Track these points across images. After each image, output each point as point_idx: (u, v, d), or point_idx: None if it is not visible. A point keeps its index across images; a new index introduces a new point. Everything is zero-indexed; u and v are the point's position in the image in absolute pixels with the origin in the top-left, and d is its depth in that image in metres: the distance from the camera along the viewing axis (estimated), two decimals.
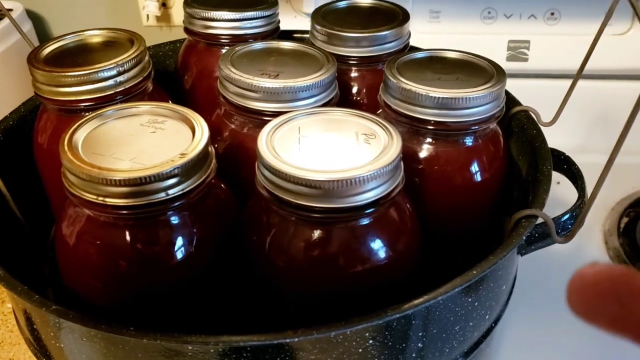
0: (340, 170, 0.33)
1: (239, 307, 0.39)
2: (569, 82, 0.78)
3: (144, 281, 0.36)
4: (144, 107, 0.38)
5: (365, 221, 0.35)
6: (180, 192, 0.34)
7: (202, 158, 0.35)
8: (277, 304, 0.37)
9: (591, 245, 0.61)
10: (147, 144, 0.35)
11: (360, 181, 0.32)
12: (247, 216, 0.39)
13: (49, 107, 0.44)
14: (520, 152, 0.48)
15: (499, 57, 0.77)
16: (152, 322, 0.36)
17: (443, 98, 0.40)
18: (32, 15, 0.93)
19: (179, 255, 0.36)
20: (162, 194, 0.33)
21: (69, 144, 0.35)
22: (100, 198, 0.33)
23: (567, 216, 0.42)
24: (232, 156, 0.44)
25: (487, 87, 0.41)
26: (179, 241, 0.36)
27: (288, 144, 0.35)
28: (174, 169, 0.33)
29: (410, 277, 0.38)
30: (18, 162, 0.48)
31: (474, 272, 0.34)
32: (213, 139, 0.45)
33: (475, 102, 0.40)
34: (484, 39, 0.78)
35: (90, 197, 0.33)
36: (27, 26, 0.89)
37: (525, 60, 0.78)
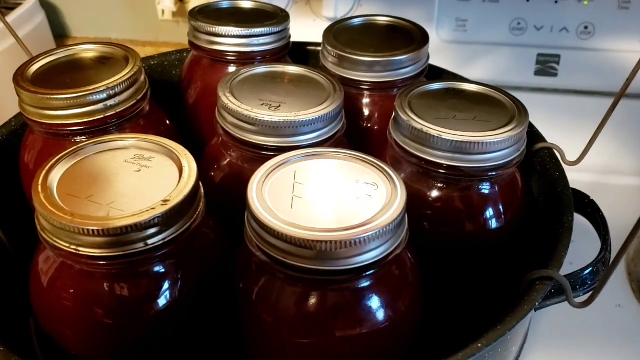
0: (337, 230, 0.29)
1: (225, 358, 0.37)
2: (599, 100, 0.74)
3: (123, 333, 0.33)
4: (130, 140, 0.35)
5: (363, 283, 0.31)
6: (162, 242, 0.31)
7: (187, 204, 0.32)
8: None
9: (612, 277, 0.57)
10: (128, 186, 0.33)
11: (359, 242, 0.29)
12: (238, 258, 0.36)
13: (36, 129, 0.41)
14: (540, 193, 0.44)
15: (527, 70, 0.74)
16: None
17: (458, 142, 0.36)
18: (46, 5, 0.90)
19: (161, 305, 0.33)
20: (141, 245, 0.31)
21: (43, 184, 0.32)
22: (73, 247, 0.30)
23: (587, 272, 0.38)
24: (228, 187, 0.41)
25: (508, 131, 0.37)
26: (162, 291, 0.33)
27: (281, 192, 0.32)
28: (154, 218, 0.30)
29: (411, 341, 0.34)
30: (5, 179, 0.45)
31: (479, 344, 0.31)
32: (210, 167, 0.42)
33: (493, 147, 0.37)
34: (512, 51, 0.74)
35: (63, 245, 0.31)
36: (40, 17, 0.86)
37: (555, 75, 0.74)
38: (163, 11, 0.85)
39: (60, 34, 0.94)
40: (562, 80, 0.74)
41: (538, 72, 0.74)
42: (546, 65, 0.74)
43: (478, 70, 0.74)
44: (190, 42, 0.50)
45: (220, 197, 0.40)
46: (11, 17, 0.79)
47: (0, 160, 0.46)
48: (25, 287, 0.39)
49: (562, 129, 0.59)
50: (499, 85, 0.43)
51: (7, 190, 0.45)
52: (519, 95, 0.42)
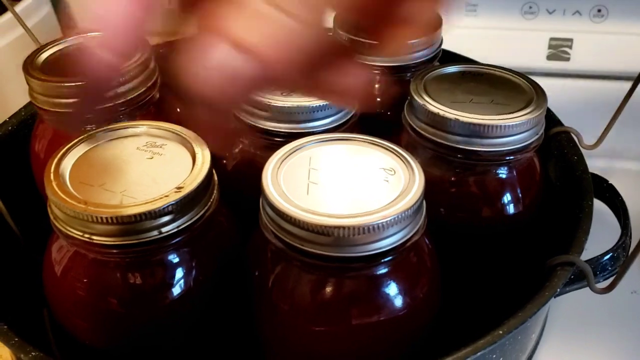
0: (354, 215, 0.29)
1: (238, 348, 0.36)
2: (613, 84, 0.73)
3: (137, 322, 0.33)
4: (142, 127, 0.35)
5: (380, 270, 0.31)
6: (176, 230, 0.31)
7: (201, 191, 0.32)
8: (278, 351, 0.34)
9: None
10: (141, 173, 0.32)
11: (377, 228, 0.28)
12: (251, 247, 0.35)
13: (46, 118, 0.41)
14: (558, 177, 0.43)
15: (539, 55, 0.73)
16: None
17: (475, 124, 0.35)
18: None
19: (175, 294, 0.33)
20: (155, 232, 0.30)
21: (55, 172, 0.31)
22: (87, 235, 0.30)
23: (607, 257, 0.38)
24: (241, 175, 0.40)
25: (526, 114, 0.36)
26: (176, 280, 0.33)
27: (297, 179, 0.31)
28: (168, 205, 0.30)
29: (430, 328, 0.34)
30: (16, 169, 0.45)
31: (500, 332, 0.31)
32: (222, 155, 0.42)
33: (511, 131, 0.36)
34: (524, 36, 0.72)
35: (76, 233, 0.30)
36: (46, 9, 0.86)
37: (567, 59, 0.73)
38: None
39: (67, 25, 0.93)
40: (575, 64, 0.72)
41: (550, 57, 0.73)
42: (558, 49, 0.73)
43: (489, 55, 0.72)
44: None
45: (233, 185, 0.39)
46: (18, 8, 0.78)
47: (11, 150, 0.45)
48: (38, 278, 0.39)
49: (576, 114, 0.58)
50: None
51: (18, 181, 0.45)
52: None
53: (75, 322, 0.34)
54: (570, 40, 0.72)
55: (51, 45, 0.43)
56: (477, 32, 0.73)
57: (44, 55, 0.42)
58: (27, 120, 0.46)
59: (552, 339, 0.47)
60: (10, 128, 0.46)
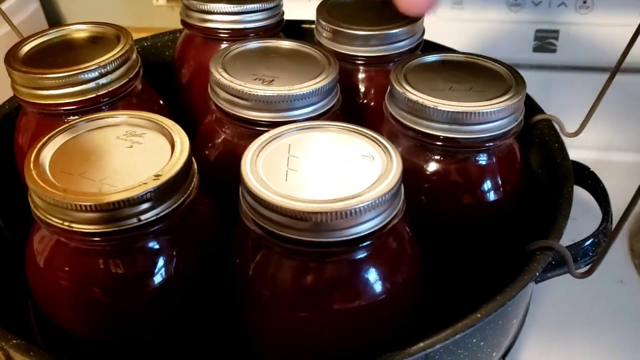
0: (332, 200, 0.29)
1: (221, 336, 0.36)
2: (599, 76, 0.73)
3: (120, 310, 0.33)
4: (121, 117, 0.35)
5: (359, 255, 0.31)
6: (155, 217, 0.31)
7: (180, 178, 0.32)
8: (260, 339, 0.34)
9: (613, 253, 0.57)
10: (121, 162, 0.32)
11: (355, 212, 0.29)
12: (234, 236, 0.35)
13: (29, 110, 0.41)
14: (539, 165, 0.44)
15: (526, 47, 0.73)
16: (127, 355, 0.34)
17: (454, 112, 0.36)
18: None
19: (157, 282, 0.33)
20: (134, 220, 0.30)
21: (35, 161, 0.32)
22: (67, 224, 0.30)
23: (588, 242, 0.38)
24: (223, 165, 0.41)
25: (504, 100, 0.36)
26: (157, 268, 0.33)
27: (276, 166, 0.31)
28: (146, 192, 0.30)
29: (410, 313, 0.34)
30: (1, 162, 0.45)
31: (479, 315, 0.31)
32: (204, 145, 0.42)
33: (490, 117, 0.36)
34: (510, 28, 0.73)
35: (56, 222, 0.30)
36: (34, 5, 0.86)
37: (554, 51, 0.73)
38: None
39: (54, 22, 0.93)
40: (561, 56, 0.73)
41: (537, 49, 0.73)
42: (545, 41, 0.73)
43: (475, 48, 0.73)
44: (183, 21, 0.50)
45: (216, 175, 0.39)
46: (4, 5, 0.79)
47: None
48: (23, 269, 0.39)
49: (562, 105, 0.58)
50: None
51: (2, 174, 0.45)
52: None
53: (59, 311, 0.34)
54: (557, 32, 0.72)
55: (34, 38, 0.43)
56: (463, 25, 0.73)
57: (26, 48, 0.42)
58: (11, 114, 0.46)
59: (536, 327, 0.48)
60: None
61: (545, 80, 0.75)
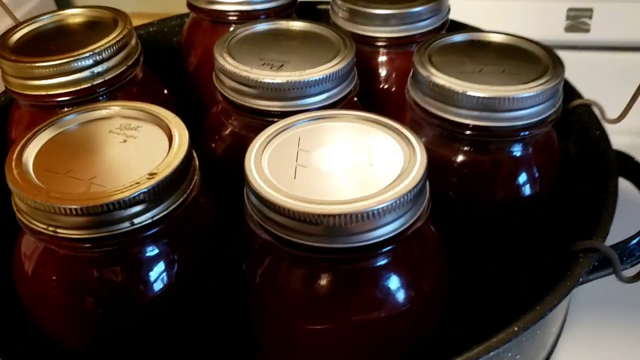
0: (347, 201, 0.25)
1: (228, 348, 0.33)
2: (636, 56, 0.69)
3: (115, 322, 0.30)
4: (114, 108, 0.32)
5: (379, 262, 0.28)
6: (150, 221, 0.28)
7: (178, 177, 0.28)
8: (270, 351, 0.31)
9: None
10: (113, 159, 0.29)
11: (373, 215, 0.25)
12: (240, 239, 0.32)
13: (21, 102, 0.38)
14: (579, 155, 0.40)
15: (557, 27, 0.69)
16: None
17: (485, 97, 0.32)
18: None
19: (155, 290, 0.30)
20: (127, 224, 0.27)
21: (17, 160, 0.28)
22: (51, 229, 0.27)
23: (634, 242, 0.34)
24: (231, 160, 0.37)
25: (541, 84, 0.33)
26: (155, 275, 0.30)
27: (283, 162, 0.28)
28: (139, 194, 0.27)
29: (437, 324, 0.31)
30: None
31: (515, 328, 0.27)
32: (210, 138, 0.39)
33: (525, 103, 0.32)
34: (539, 7, 0.69)
35: (40, 227, 0.27)
36: None
37: (587, 31, 0.69)
38: None
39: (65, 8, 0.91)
40: (595, 35, 0.69)
41: (569, 28, 0.69)
42: (577, 20, 0.69)
43: (503, 28, 0.69)
44: (189, 4, 0.46)
45: (223, 171, 0.36)
46: None
47: None
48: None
49: (597, 88, 0.54)
50: None
51: None
52: None
53: (49, 321, 0.31)
54: (590, 10, 0.68)
55: (26, 24, 0.40)
56: (491, 4, 0.70)
57: (18, 35, 0.39)
58: (7, 106, 0.43)
59: (575, 331, 0.44)
60: None
61: (578, 62, 0.70)
